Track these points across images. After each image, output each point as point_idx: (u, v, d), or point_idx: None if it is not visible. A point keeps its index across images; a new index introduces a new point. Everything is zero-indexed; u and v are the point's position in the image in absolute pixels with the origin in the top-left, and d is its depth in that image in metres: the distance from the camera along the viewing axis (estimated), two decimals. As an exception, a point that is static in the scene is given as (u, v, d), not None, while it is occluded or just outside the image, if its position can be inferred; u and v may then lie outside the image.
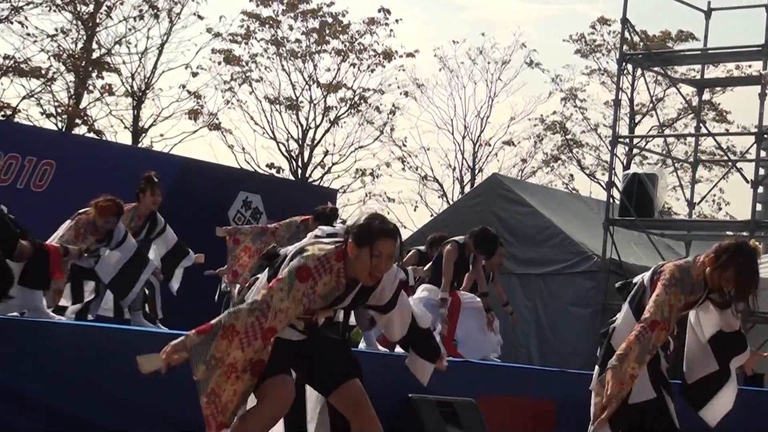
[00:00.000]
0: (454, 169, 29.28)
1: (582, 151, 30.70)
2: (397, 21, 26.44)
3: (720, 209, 30.12)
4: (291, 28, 25.98)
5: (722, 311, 5.67)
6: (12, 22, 22.41)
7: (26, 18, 22.54)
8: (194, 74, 25.00)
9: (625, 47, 16.92)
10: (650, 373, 5.55)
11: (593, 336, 13.56)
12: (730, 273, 5.41)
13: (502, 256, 9.95)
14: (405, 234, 12.20)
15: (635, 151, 26.43)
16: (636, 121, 29.29)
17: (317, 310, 4.80)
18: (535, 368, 11.19)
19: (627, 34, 16.82)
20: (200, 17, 24.30)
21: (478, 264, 9.67)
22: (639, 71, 18.78)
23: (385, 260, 4.70)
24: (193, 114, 24.67)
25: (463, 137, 29.20)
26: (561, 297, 13.92)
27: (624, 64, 16.82)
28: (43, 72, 22.58)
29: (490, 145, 29.44)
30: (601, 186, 28.80)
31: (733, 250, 5.43)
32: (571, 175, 31.00)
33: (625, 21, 16.02)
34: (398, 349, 9.16)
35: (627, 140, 23.39)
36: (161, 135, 24.83)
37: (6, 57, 22.07)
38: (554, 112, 30.45)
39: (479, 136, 29.24)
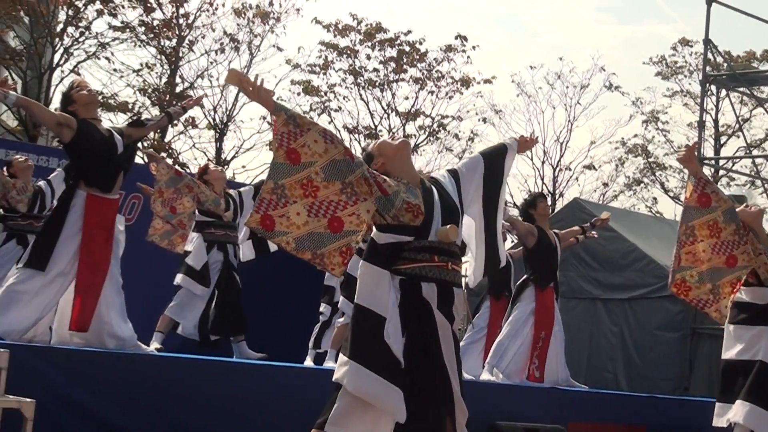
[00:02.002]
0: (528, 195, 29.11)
1: (665, 174, 30.43)
2: (474, 48, 26.45)
3: (812, 229, 29.55)
4: (369, 57, 26.17)
5: None
6: (99, 58, 23.01)
7: (113, 54, 23.09)
8: (275, 105, 25.25)
9: (708, 68, 16.75)
10: None
11: (682, 360, 13.43)
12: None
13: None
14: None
15: (722, 172, 26.10)
16: (722, 142, 28.94)
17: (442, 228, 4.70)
18: (626, 394, 11.06)
19: (710, 55, 16.65)
20: (279, 49, 24.67)
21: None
22: (723, 92, 18.58)
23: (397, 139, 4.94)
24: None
25: (543, 162, 29.14)
26: (648, 321, 13.74)
27: (708, 85, 16.67)
28: (129, 106, 23.06)
29: (570, 169, 29.34)
30: (687, 209, 28.46)
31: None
32: (655, 198, 30.76)
33: (707, 42, 15.88)
34: (483, 376, 9.17)
35: (713, 162, 23.10)
36: (243, 167, 25.27)
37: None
38: (635, 135, 30.28)
39: (559, 160, 29.16)
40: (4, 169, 9.78)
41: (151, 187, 9.05)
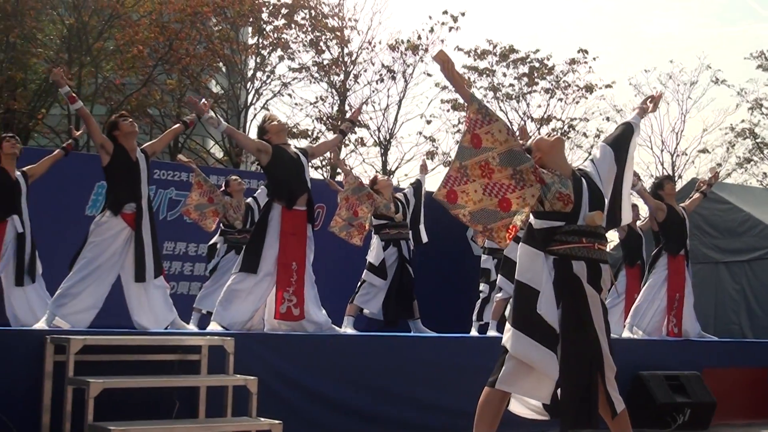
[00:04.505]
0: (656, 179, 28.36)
1: (772, 151, 29.17)
2: (594, 59, 25.92)
3: None
4: (505, 75, 25.89)
5: None
6: (283, 95, 23.59)
7: (293, 91, 23.67)
8: (428, 122, 25.52)
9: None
10: None
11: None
12: None
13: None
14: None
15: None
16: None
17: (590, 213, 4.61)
18: (751, 341, 10.73)
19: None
20: (429, 74, 24.64)
21: None
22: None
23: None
24: (430, 155, 24.96)
25: (662, 150, 28.31)
26: (766, 278, 13.31)
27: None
28: (309, 133, 23.52)
29: (686, 154, 28.40)
30: (795, 180, 27.33)
31: None
32: (765, 173, 29.47)
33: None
34: (625, 334, 9.00)
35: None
36: (405, 175, 25.34)
37: (279, 125, 23.05)
38: (743, 121, 29.11)
39: (675, 147, 28.29)
40: (222, 186, 10.04)
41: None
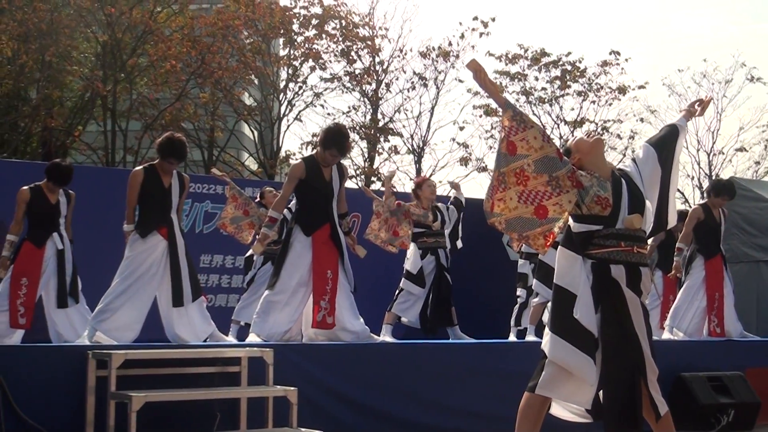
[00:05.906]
0: (692, 178, 28.15)
1: (813, 148, 28.73)
2: (626, 60, 25.76)
3: None
4: (536, 78, 25.78)
5: None
6: (315, 106, 23.68)
7: (325, 101, 23.75)
8: (461, 128, 25.32)
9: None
10: None
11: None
12: None
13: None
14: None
15: None
16: None
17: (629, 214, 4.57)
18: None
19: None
20: (460, 81, 24.62)
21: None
22: None
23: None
24: (464, 161, 24.90)
25: (698, 150, 28.03)
26: (807, 277, 13.17)
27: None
28: (342, 143, 23.52)
29: (723, 153, 28.11)
30: (836, 176, 26.94)
31: None
32: (805, 171, 29.06)
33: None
34: (664, 336, 8.92)
35: None
36: (440, 182, 25.24)
37: (314, 135, 23.21)
38: (781, 117, 28.81)
39: (712, 147, 28.01)
40: (257, 197, 10.05)
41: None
